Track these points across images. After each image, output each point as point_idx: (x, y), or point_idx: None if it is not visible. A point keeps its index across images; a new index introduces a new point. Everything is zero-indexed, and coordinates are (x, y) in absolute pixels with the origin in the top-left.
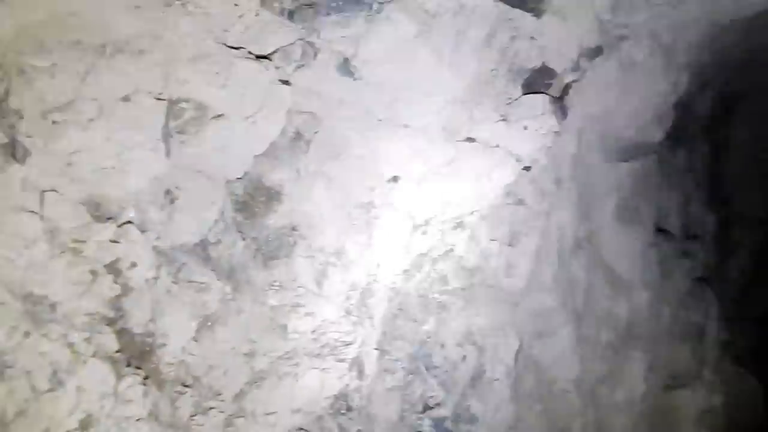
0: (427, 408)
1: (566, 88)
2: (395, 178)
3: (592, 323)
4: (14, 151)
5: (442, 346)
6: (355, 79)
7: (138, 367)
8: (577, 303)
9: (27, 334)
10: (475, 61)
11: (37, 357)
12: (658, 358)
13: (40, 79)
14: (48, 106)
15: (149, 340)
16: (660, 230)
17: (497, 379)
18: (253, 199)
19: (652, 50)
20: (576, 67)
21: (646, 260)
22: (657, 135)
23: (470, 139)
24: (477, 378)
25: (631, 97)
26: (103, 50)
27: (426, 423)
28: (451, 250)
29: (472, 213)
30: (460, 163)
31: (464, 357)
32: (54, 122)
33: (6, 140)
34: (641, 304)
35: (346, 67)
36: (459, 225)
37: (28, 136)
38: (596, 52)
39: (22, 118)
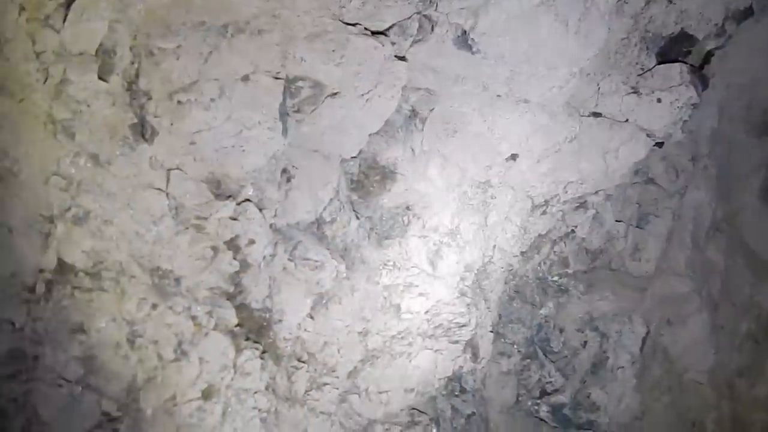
0: (544, 394)
1: (708, 56)
2: (514, 156)
3: (730, 312)
4: (143, 131)
5: (561, 330)
6: (473, 53)
7: (256, 342)
8: (713, 289)
9: (154, 306)
10: (605, 28)
11: (164, 328)
12: None
13: (166, 61)
14: (174, 87)
15: (266, 315)
16: None
17: (621, 367)
18: (368, 178)
19: None
20: (720, 32)
21: None
22: None
23: (596, 114)
24: (599, 365)
25: None
26: (225, 31)
27: (543, 409)
28: (573, 231)
29: (596, 192)
30: (584, 139)
31: (585, 343)
32: (179, 102)
33: (136, 120)
34: None
35: (463, 40)
36: (582, 205)
37: (156, 116)
38: (745, 14)
39: (150, 98)
